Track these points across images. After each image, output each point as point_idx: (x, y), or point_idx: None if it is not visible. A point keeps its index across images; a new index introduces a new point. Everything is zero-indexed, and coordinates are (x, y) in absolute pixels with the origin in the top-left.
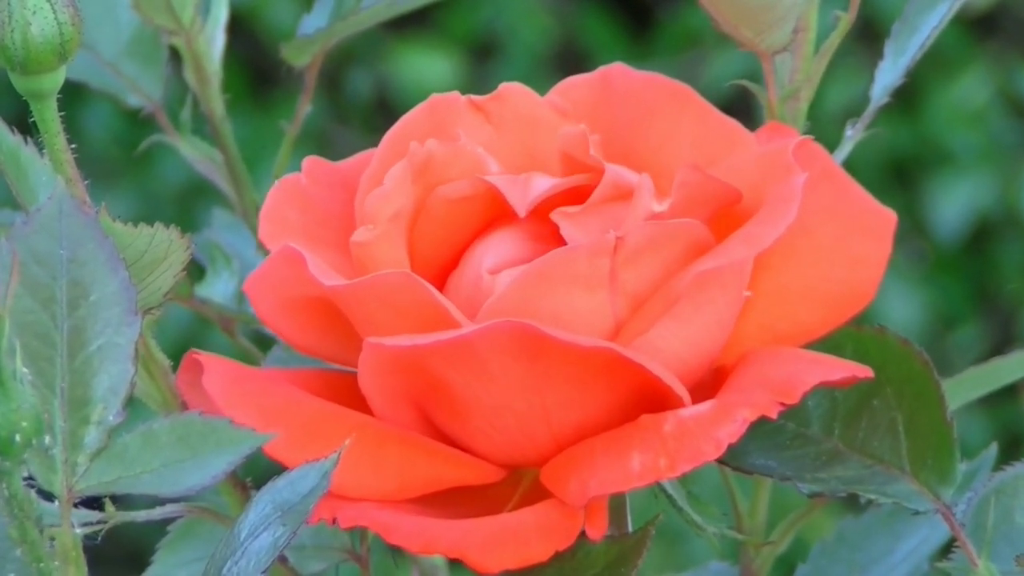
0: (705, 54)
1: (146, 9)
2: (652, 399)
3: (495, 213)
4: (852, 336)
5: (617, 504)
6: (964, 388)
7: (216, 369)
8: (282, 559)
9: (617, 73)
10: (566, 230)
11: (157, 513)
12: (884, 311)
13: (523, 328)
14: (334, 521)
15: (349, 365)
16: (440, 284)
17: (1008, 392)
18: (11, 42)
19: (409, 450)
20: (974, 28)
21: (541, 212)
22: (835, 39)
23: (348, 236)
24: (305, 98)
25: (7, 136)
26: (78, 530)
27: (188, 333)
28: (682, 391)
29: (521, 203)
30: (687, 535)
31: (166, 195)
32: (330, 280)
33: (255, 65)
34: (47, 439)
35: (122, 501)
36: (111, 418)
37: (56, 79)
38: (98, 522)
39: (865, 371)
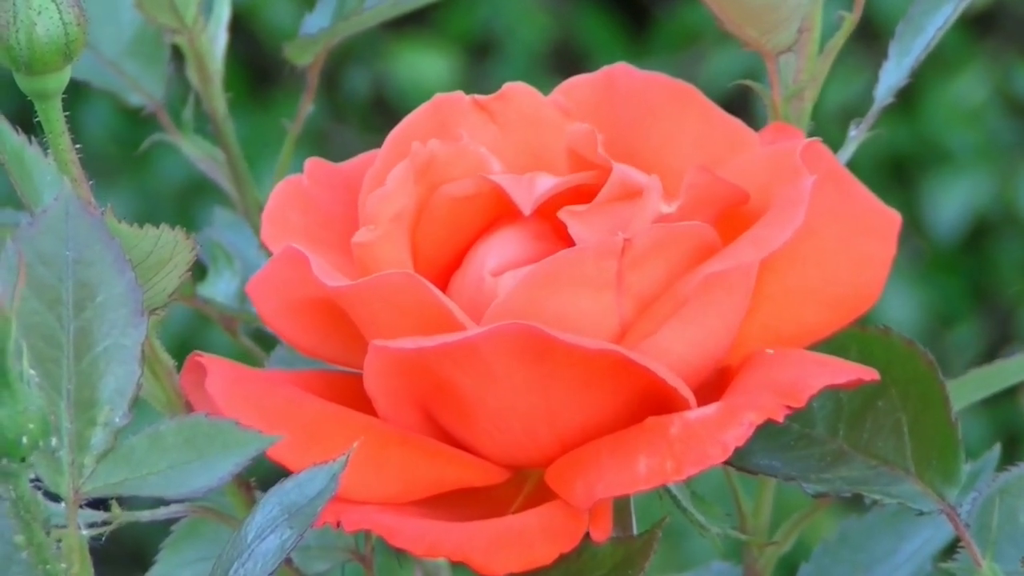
0: (703, 53)
1: (149, 8)
2: (657, 401)
3: (499, 212)
4: (857, 337)
5: (621, 505)
6: (967, 389)
7: (218, 372)
8: (287, 559)
9: (620, 73)
10: (573, 228)
11: (161, 513)
12: (882, 310)
13: (528, 330)
14: (338, 524)
15: (352, 366)
16: (444, 284)
17: (1007, 392)
18: (16, 42)
19: (412, 452)
20: (972, 27)
21: (545, 211)
22: (839, 39)
23: (350, 237)
24: (307, 97)
25: (11, 136)
26: (84, 532)
27: (190, 332)
28: (688, 393)
29: (526, 201)
30: (690, 534)
31: (165, 194)
32: (333, 281)
33: (255, 64)
34: (53, 441)
35: (126, 501)
36: (117, 420)
37: (61, 79)
38: (103, 523)
39: (871, 373)
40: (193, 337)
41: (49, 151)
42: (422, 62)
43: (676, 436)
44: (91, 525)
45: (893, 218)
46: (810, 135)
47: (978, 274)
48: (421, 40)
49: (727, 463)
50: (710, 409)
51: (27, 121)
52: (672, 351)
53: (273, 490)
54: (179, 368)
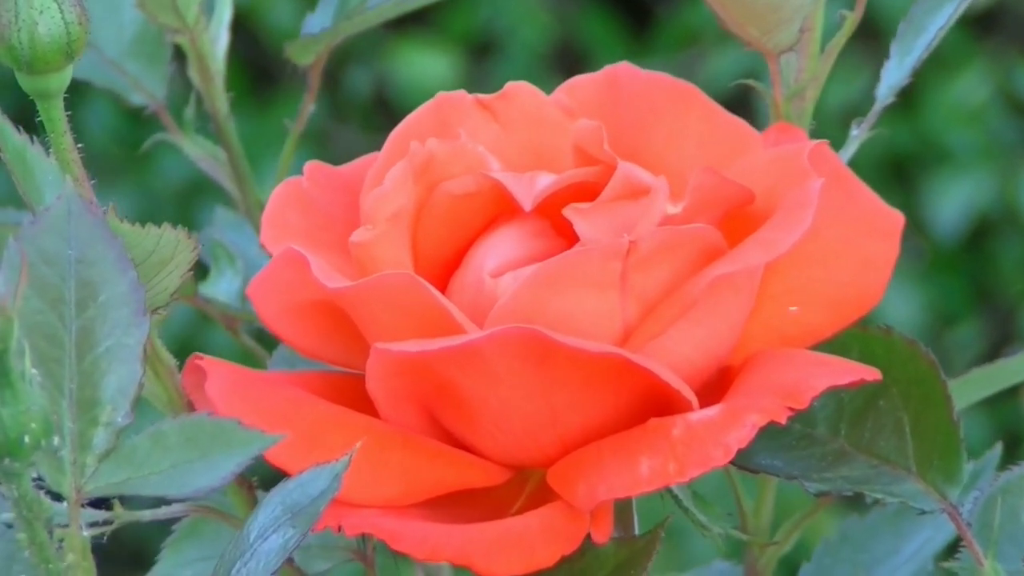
0: (704, 52)
1: (150, 8)
2: (659, 402)
3: (499, 210)
4: (858, 337)
5: (623, 505)
6: (969, 389)
7: (218, 375)
8: (288, 559)
9: (623, 72)
10: (579, 226)
11: (163, 512)
12: (883, 309)
13: (530, 334)
14: (339, 529)
15: (353, 367)
16: (445, 282)
17: (1008, 392)
18: (18, 42)
19: (413, 455)
20: (973, 26)
21: (546, 209)
22: (841, 38)
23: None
24: (309, 97)
25: (13, 135)
26: (86, 531)
27: (191, 332)
28: (690, 395)
29: (526, 197)
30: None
31: (166, 193)
32: (333, 282)
33: (257, 64)
34: (56, 440)
35: (127, 501)
36: (120, 419)
37: (63, 78)
38: (104, 522)
39: (873, 373)
40: (195, 337)
41: (51, 150)
42: (424, 62)
43: (678, 438)
44: (93, 524)
45: (896, 219)
46: (811, 135)
47: (979, 274)
48: (423, 40)
49: (729, 463)
50: (712, 411)
51: (29, 120)
52: (678, 352)
53: (275, 490)
54: (181, 367)
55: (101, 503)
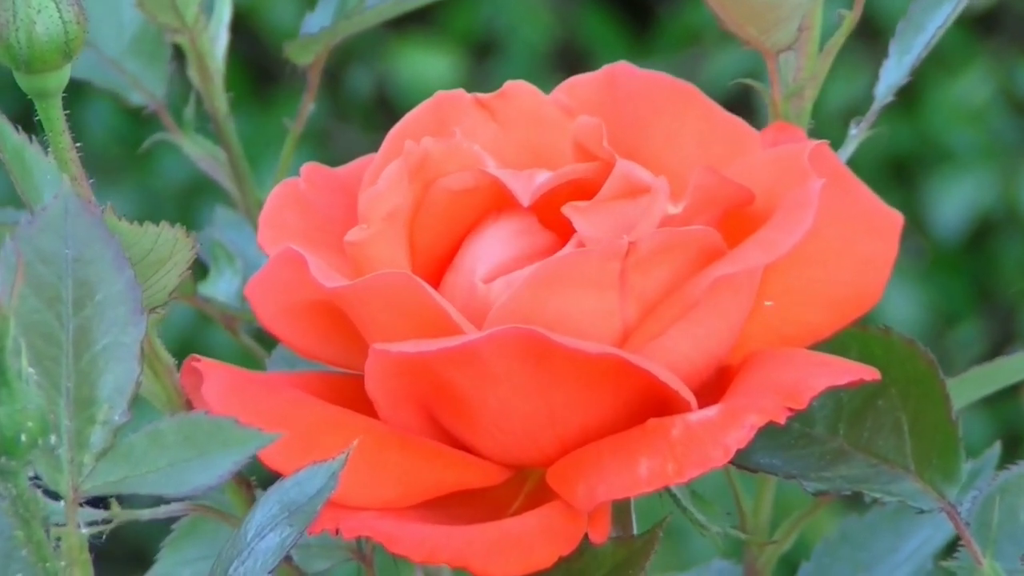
0: (705, 52)
1: (150, 7)
2: (658, 402)
3: (497, 207)
4: (857, 337)
5: (621, 505)
6: (968, 388)
7: (215, 378)
8: (287, 558)
9: (622, 72)
10: (578, 224)
11: (161, 511)
12: (884, 309)
13: (529, 335)
14: (337, 531)
15: (352, 368)
16: (442, 279)
17: (1008, 391)
18: (16, 41)
19: (410, 456)
20: (975, 26)
21: (543, 206)
22: (839, 37)
23: None
24: (309, 96)
25: (12, 135)
26: (83, 530)
27: (191, 331)
28: (689, 396)
29: (525, 192)
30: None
31: (166, 193)
32: (331, 282)
33: (257, 63)
34: (53, 439)
35: (126, 499)
36: (117, 418)
37: (61, 78)
38: (103, 521)
39: (872, 373)
40: (195, 336)
41: (49, 150)
42: (424, 61)
43: (677, 438)
44: (91, 523)
45: (895, 219)
46: (810, 134)
47: (980, 273)
48: (424, 39)
49: (728, 463)
50: (711, 411)
51: (27, 120)
52: (677, 353)
53: (273, 488)
54: (181, 367)
55: (100, 502)
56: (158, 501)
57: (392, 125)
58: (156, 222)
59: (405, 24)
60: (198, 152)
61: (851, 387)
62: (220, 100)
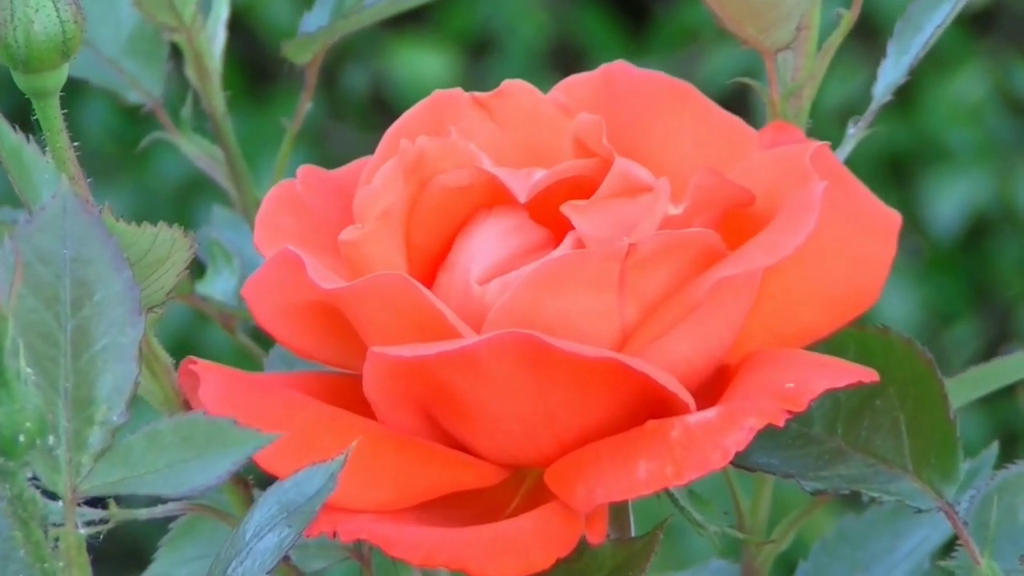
0: (701, 51)
1: (147, 6)
2: (657, 403)
3: (488, 204)
4: (855, 337)
5: (619, 505)
6: (966, 387)
7: (211, 380)
8: (285, 557)
9: (619, 71)
10: (577, 223)
11: (159, 511)
12: (881, 308)
13: (527, 339)
14: (335, 534)
15: (349, 368)
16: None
17: (1006, 390)
18: (14, 40)
19: (406, 458)
20: (971, 25)
21: (539, 204)
22: (837, 37)
23: None
24: (306, 95)
25: (9, 134)
26: (82, 530)
27: (188, 330)
28: (687, 398)
29: (521, 189)
30: (688, 532)
31: (163, 192)
32: (327, 283)
33: (254, 62)
34: (51, 439)
35: (124, 499)
36: (115, 418)
37: (59, 77)
38: (101, 521)
39: (871, 375)
40: (192, 336)
41: (47, 149)
42: (421, 60)
43: (676, 441)
44: (89, 523)
45: (893, 218)
46: (808, 133)
47: (977, 272)
48: (420, 38)
49: (726, 465)
50: (710, 413)
51: (25, 119)
52: (677, 354)
53: (271, 489)
54: (178, 367)
55: (97, 502)
56: (156, 501)
57: (389, 124)
58: (153, 221)
59: (402, 23)
60: (195, 151)
61: (849, 388)
62: (217, 99)
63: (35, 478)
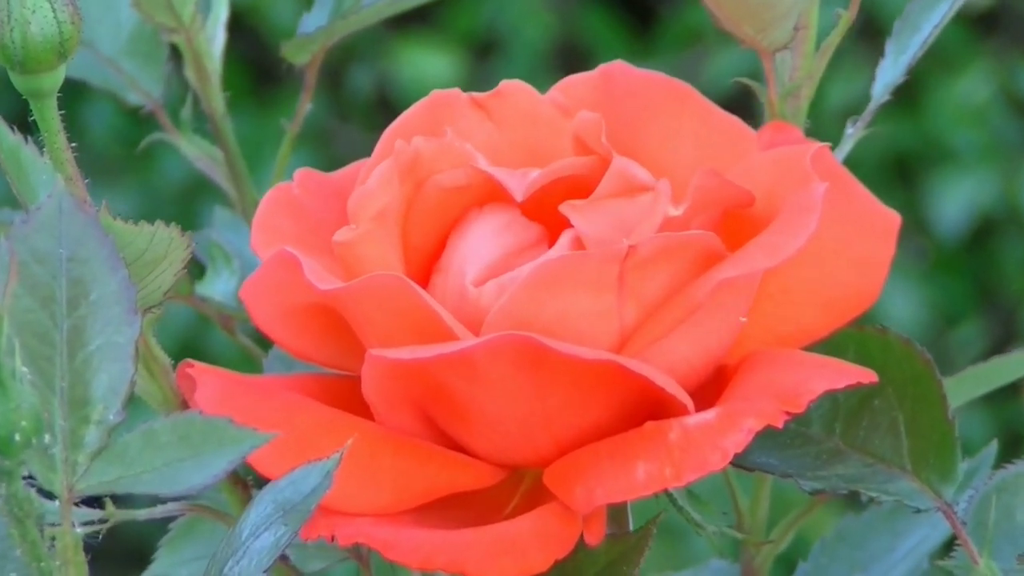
0: (706, 52)
1: (146, 7)
2: (655, 404)
3: (479, 203)
4: (854, 337)
5: (618, 505)
6: (966, 386)
7: (207, 384)
8: (283, 557)
9: (618, 71)
10: (576, 222)
11: (158, 511)
12: (885, 309)
13: (525, 341)
14: (332, 539)
15: (347, 369)
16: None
17: (1009, 390)
18: (10, 41)
19: (403, 461)
20: (976, 26)
21: (536, 203)
22: (836, 37)
23: None
24: (306, 96)
25: (7, 135)
26: (79, 529)
27: (189, 331)
28: (686, 399)
29: (518, 188)
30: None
31: (167, 193)
32: (324, 284)
33: (255, 63)
34: (47, 438)
35: (123, 499)
36: (111, 417)
37: (56, 78)
38: (99, 521)
39: (870, 376)
40: (196, 337)
41: (45, 150)
42: (425, 61)
43: (675, 442)
44: (88, 523)
45: (892, 219)
46: (807, 133)
47: (982, 273)
48: (425, 39)
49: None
50: (709, 415)
51: (23, 120)
52: (678, 355)
53: (268, 488)
54: (178, 366)
55: (96, 502)
56: (155, 501)
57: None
58: (154, 222)
59: (406, 23)
60: (195, 152)
61: (848, 389)
62: (217, 100)
63: (31, 477)
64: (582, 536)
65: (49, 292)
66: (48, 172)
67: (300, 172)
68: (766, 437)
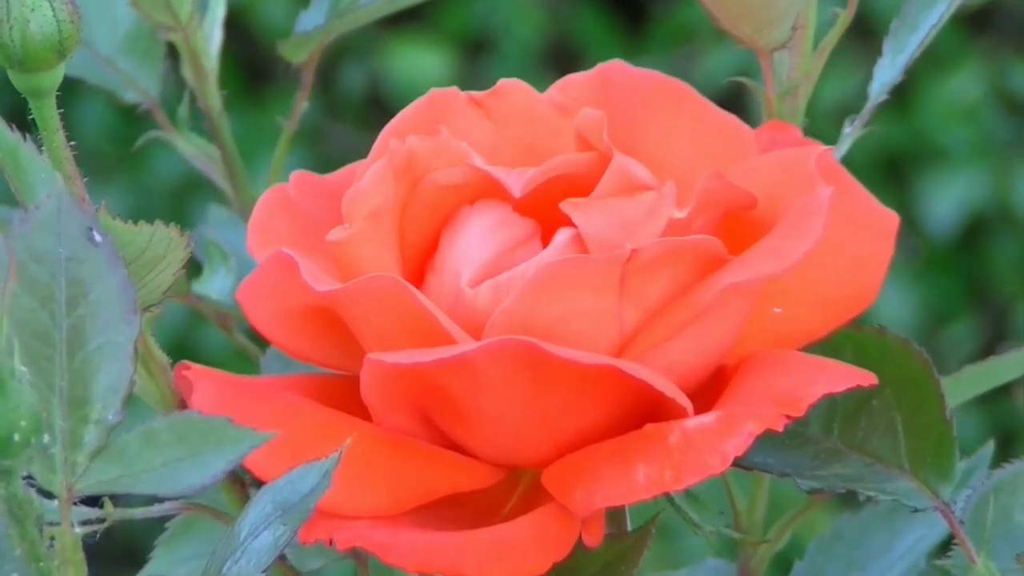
0: (698, 51)
1: (144, 5)
2: (654, 405)
3: (470, 201)
4: (852, 337)
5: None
6: (962, 387)
7: (204, 386)
8: (281, 556)
9: (615, 70)
10: (578, 219)
11: (155, 510)
12: (877, 308)
13: (524, 346)
14: (331, 542)
15: (344, 369)
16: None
17: (1002, 389)
18: (9, 39)
19: (401, 461)
20: (968, 24)
21: (533, 201)
22: (833, 36)
23: None
24: (302, 95)
25: (6, 133)
26: (78, 529)
27: (185, 329)
28: (686, 402)
29: (516, 183)
30: (684, 531)
31: (160, 191)
32: (321, 285)
33: (251, 61)
34: (46, 438)
35: (120, 498)
36: (111, 417)
37: (55, 76)
38: (97, 520)
39: (869, 378)
40: (190, 335)
41: (43, 148)
42: (418, 59)
43: (675, 445)
44: (85, 522)
45: (891, 219)
46: (804, 132)
47: (973, 272)
48: (417, 37)
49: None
50: (709, 418)
51: (21, 118)
52: (681, 359)
53: (266, 487)
54: (175, 366)
55: (93, 501)
56: (152, 500)
57: (385, 124)
58: (150, 220)
59: (398, 22)
60: (192, 150)
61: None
62: (214, 98)
63: (30, 477)
64: (580, 536)
65: (48, 291)
66: (47, 171)
67: (296, 174)
68: (765, 437)
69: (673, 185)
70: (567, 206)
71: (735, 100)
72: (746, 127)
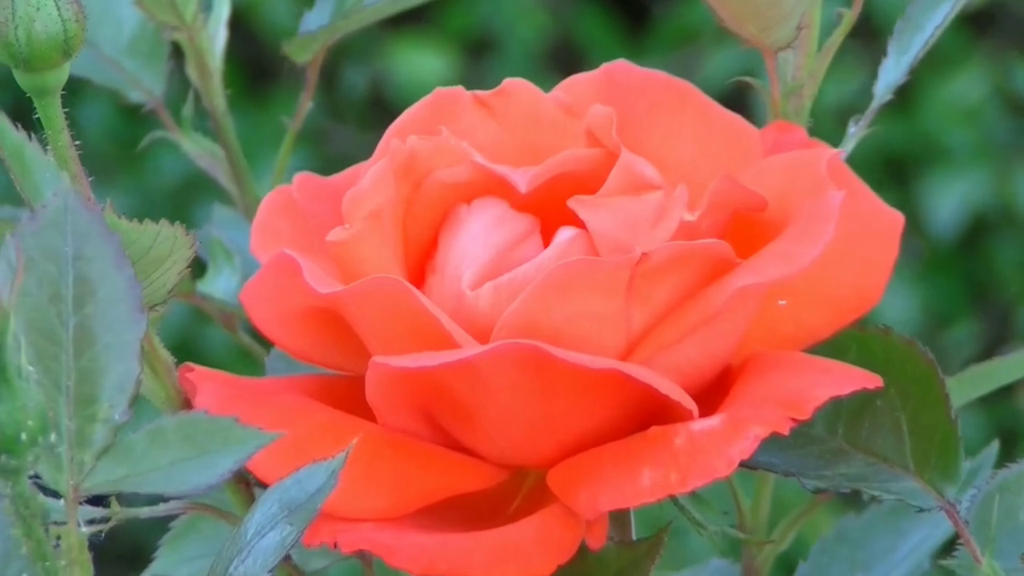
0: (701, 51)
1: (149, 5)
2: (660, 407)
3: (468, 200)
4: (857, 337)
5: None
6: (965, 387)
7: (207, 388)
8: (286, 556)
9: (620, 70)
10: (586, 217)
11: (160, 510)
12: (879, 308)
13: (530, 349)
14: (335, 545)
15: (348, 370)
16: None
17: (1005, 390)
18: (15, 38)
19: (406, 462)
20: (971, 25)
21: (538, 199)
22: (838, 36)
23: None
24: (307, 95)
25: (11, 132)
26: (84, 529)
27: (190, 329)
28: (691, 405)
29: (521, 180)
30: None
31: (164, 191)
32: (324, 287)
33: (255, 61)
34: (53, 437)
35: (124, 498)
36: (117, 416)
37: (60, 75)
38: (102, 519)
39: (875, 381)
40: (194, 335)
41: (49, 148)
42: (421, 60)
43: (681, 448)
44: (91, 522)
45: (896, 219)
46: (809, 132)
47: (976, 273)
48: (420, 38)
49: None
50: (715, 421)
51: (27, 118)
52: (688, 361)
53: (273, 487)
54: (179, 365)
55: (99, 500)
56: (156, 499)
57: (388, 124)
58: (153, 220)
59: (401, 23)
60: (196, 150)
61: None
62: (219, 98)
63: (37, 476)
64: (585, 543)
65: (55, 290)
66: (52, 170)
67: (299, 176)
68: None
69: (685, 187)
70: (575, 203)
71: (737, 101)
72: (751, 127)
